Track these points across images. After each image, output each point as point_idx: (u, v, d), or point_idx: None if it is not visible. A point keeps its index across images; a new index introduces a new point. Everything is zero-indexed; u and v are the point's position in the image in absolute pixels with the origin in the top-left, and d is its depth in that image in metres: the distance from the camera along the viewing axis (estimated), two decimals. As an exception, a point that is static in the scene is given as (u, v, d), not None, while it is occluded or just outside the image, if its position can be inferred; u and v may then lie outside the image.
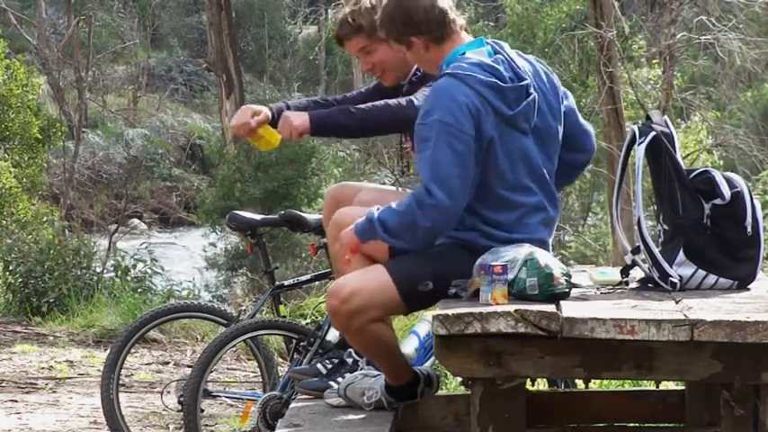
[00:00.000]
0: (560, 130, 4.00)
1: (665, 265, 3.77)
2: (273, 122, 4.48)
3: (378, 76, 4.55)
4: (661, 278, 3.77)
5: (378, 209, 3.81)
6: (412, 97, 4.32)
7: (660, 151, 3.82)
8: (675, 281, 3.75)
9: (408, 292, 3.80)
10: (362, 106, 4.30)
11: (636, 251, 3.84)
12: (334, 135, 4.41)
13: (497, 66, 3.82)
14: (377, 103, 4.30)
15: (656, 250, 3.79)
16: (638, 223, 3.79)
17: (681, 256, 3.77)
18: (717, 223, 3.79)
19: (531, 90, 3.86)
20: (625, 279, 3.88)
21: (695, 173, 3.86)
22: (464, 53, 3.87)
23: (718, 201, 3.79)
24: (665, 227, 3.85)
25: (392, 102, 4.30)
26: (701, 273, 3.78)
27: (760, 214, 3.85)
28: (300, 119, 4.28)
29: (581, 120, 4.15)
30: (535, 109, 3.86)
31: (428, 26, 3.88)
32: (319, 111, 4.38)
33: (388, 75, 4.53)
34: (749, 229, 3.80)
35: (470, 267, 3.74)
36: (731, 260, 3.80)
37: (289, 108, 4.54)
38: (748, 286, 3.83)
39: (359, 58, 4.61)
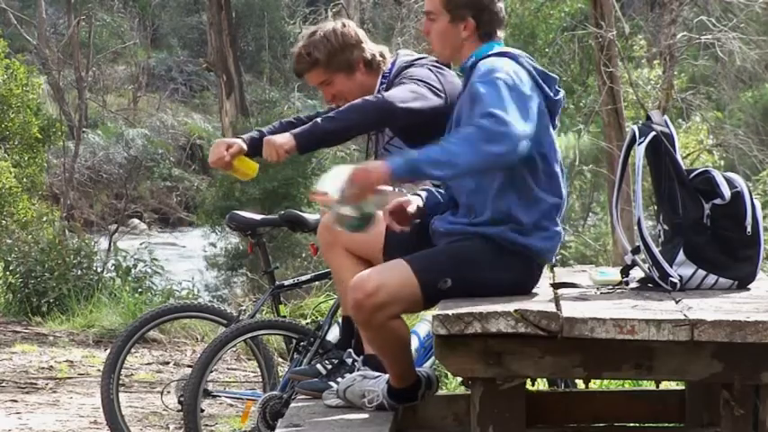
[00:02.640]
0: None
1: (665, 265, 3.77)
2: (249, 152, 4.51)
3: (340, 106, 4.53)
4: (661, 278, 3.77)
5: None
6: (381, 92, 4.34)
7: (660, 151, 3.82)
8: (675, 281, 3.75)
9: (429, 288, 3.78)
10: (341, 108, 4.29)
11: (636, 251, 3.84)
12: (321, 145, 4.35)
13: (530, 59, 3.90)
14: (353, 102, 4.29)
15: (656, 250, 3.80)
16: (638, 223, 3.79)
17: (681, 256, 3.78)
18: (717, 223, 3.79)
19: (558, 87, 3.92)
20: (625, 279, 3.88)
21: (695, 173, 3.87)
22: (493, 48, 3.91)
23: (718, 201, 3.79)
24: (665, 227, 3.86)
25: (368, 97, 4.28)
26: (701, 273, 3.78)
27: (760, 214, 3.85)
28: (283, 138, 4.25)
29: None
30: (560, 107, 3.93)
31: (489, 18, 3.91)
32: (301, 126, 4.36)
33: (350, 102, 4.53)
34: (749, 228, 3.80)
35: (493, 266, 3.76)
36: (731, 260, 3.80)
37: (261, 135, 4.53)
38: (748, 286, 3.84)
39: (319, 90, 4.61)
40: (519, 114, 3.59)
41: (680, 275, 3.77)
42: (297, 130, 4.28)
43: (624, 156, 3.96)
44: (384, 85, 4.48)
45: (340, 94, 4.52)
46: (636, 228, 3.84)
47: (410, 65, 4.45)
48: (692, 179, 3.83)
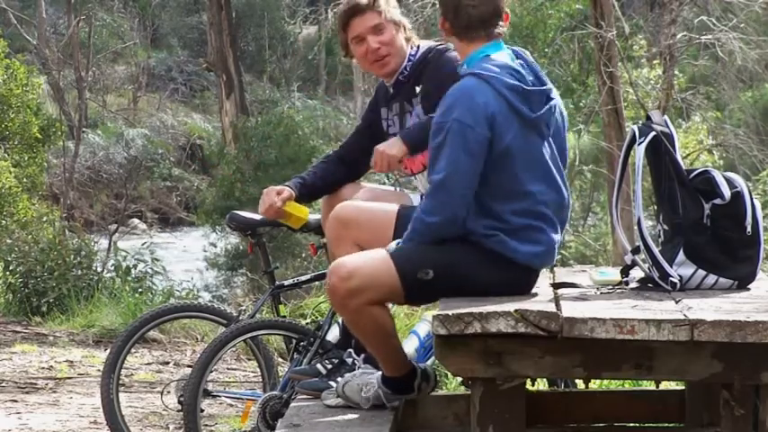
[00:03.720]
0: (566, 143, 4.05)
1: (665, 265, 3.77)
2: (297, 198, 4.64)
3: (380, 59, 4.53)
4: (661, 278, 3.77)
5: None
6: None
7: (660, 151, 3.82)
8: (675, 281, 3.75)
9: (408, 277, 3.79)
10: (418, 122, 4.41)
11: (636, 251, 3.84)
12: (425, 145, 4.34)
13: (521, 69, 3.85)
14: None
15: (656, 250, 3.80)
16: (638, 223, 3.79)
17: (681, 255, 3.78)
18: (717, 223, 3.79)
19: (553, 95, 3.88)
20: (625, 279, 3.88)
21: (695, 173, 3.87)
22: (487, 55, 3.88)
23: (718, 201, 3.79)
24: (665, 227, 3.86)
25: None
26: (701, 273, 3.78)
27: (760, 214, 3.85)
28: (395, 145, 4.30)
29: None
30: (554, 115, 3.89)
31: (453, 20, 3.90)
32: (403, 131, 4.41)
33: (391, 59, 4.53)
34: (749, 228, 3.80)
35: (477, 262, 3.77)
36: (731, 260, 3.80)
37: (305, 180, 4.66)
38: (748, 286, 3.84)
39: (362, 41, 4.56)
40: (455, 172, 3.73)
41: (680, 275, 3.77)
42: (403, 133, 4.34)
43: (624, 155, 3.96)
44: (408, 67, 4.52)
45: (385, 45, 4.51)
46: (636, 228, 3.84)
47: (439, 55, 4.49)
48: (692, 179, 3.83)
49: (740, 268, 3.82)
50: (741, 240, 3.80)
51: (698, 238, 3.77)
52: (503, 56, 3.89)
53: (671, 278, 3.76)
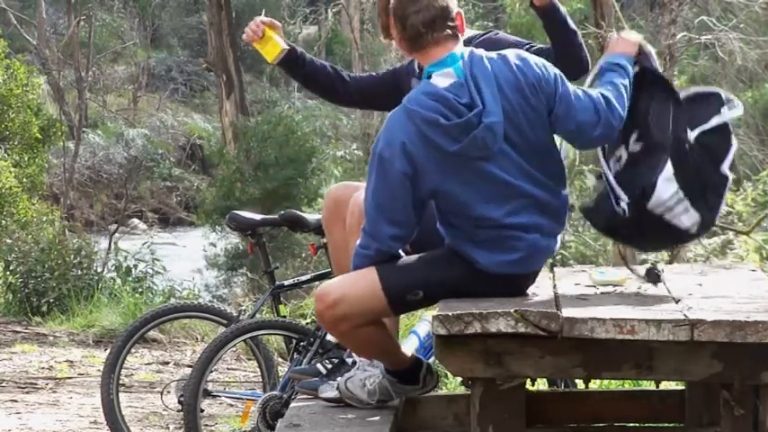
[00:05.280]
0: (547, 133, 3.82)
1: (618, 190, 3.73)
2: (288, 55, 4.63)
3: None
4: (616, 201, 3.74)
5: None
6: None
7: (653, 77, 3.80)
8: (624, 207, 3.71)
9: (397, 301, 3.79)
10: None
11: (600, 177, 3.83)
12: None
13: (448, 95, 3.71)
14: None
15: (610, 173, 3.76)
16: (602, 147, 3.79)
17: (669, 168, 3.70)
18: (697, 153, 3.74)
19: (488, 118, 3.68)
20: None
21: (701, 90, 3.86)
22: (430, 76, 3.79)
23: (707, 125, 3.75)
24: (635, 147, 3.76)
25: None
26: (680, 194, 3.70)
27: (732, 159, 3.81)
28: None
29: (575, 98, 3.80)
30: (496, 134, 3.69)
31: (405, 29, 3.81)
32: None
33: None
34: (724, 169, 3.76)
35: (464, 276, 3.74)
36: (701, 195, 3.74)
37: (305, 54, 4.67)
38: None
39: None
40: (385, 205, 3.73)
41: (659, 196, 3.69)
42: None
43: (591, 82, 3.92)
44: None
45: None
46: (600, 151, 3.82)
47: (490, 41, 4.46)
48: (696, 94, 3.81)
49: (706, 206, 3.74)
50: (713, 179, 3.75)
51: (683, 159, 3.71)
52: (446, 74, 3.75)
53: (621, 201, 3.71)
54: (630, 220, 3.73)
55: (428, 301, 3.83)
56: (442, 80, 3.76)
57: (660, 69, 3.85)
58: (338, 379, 4.23)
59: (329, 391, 4.23)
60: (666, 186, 3.70)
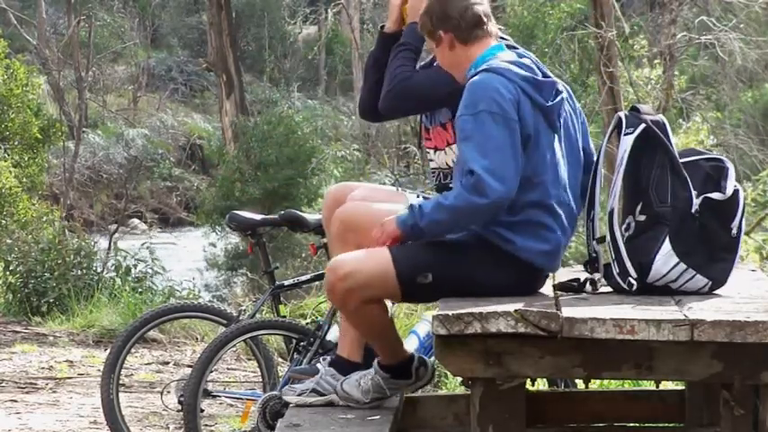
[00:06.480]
0: (580, 141, 4.05)
1: (628, 263, 3.72)
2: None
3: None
4: (620, 275, 3.74)
5: (420, 206, 3.80)
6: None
7: (651, 141, 3.77)
8: (633, 282, 3.71)
9: (407, 281, 3.82)
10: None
11: (601, 240, 3.81)
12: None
13: (531, 64, 3.91)
14: None
15: (623, 245, 3.74)
16: (611, 213, 3.75)
17: (666, 245, 3.69)
18: (704, 218, 3.72)
19: (561, 88, 3.92)
20: (590, 277, 3.83)
21: (707, 155, 3.83)
22: (495, 55, 3.92)
23: (715, 195, 3.73)
24: (641, 218, 3.75)
25: None
26: (682, 266, 3.69)
27: (744, 220, 3.80)
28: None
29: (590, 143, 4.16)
30: (563, 108, 3.92)
31: (459, 24, 3.93)
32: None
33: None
34: (734, 231, 3.76)
35: (477, 263, 3.76)
36: (708, 258, 3.73)
37: None
38: (721, 288, 3.78)
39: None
40: (506, 171, 3.69)
41: (656, 269, 3.69)
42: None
43: (607, 140, 3.92)
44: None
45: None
46: (607, 217, 3.80)
47: None
48: (703, 161, 3.80)
49: (715, 268, 3.74)
50: (723, 241, 3.75)
51: (685, 230, 3.70)
52: (509, 55, 3.94)
53: (629, 278, 3.72)
54: (638, 290, 3.73)
55: (434, 293, 3.82)
56: (509, 56, 3.92)
57: (671, 138, 3.83)
58: (335, 383, 4.23)
59: (290, 395, 4.25)
60: (665, 260, 3.69)
